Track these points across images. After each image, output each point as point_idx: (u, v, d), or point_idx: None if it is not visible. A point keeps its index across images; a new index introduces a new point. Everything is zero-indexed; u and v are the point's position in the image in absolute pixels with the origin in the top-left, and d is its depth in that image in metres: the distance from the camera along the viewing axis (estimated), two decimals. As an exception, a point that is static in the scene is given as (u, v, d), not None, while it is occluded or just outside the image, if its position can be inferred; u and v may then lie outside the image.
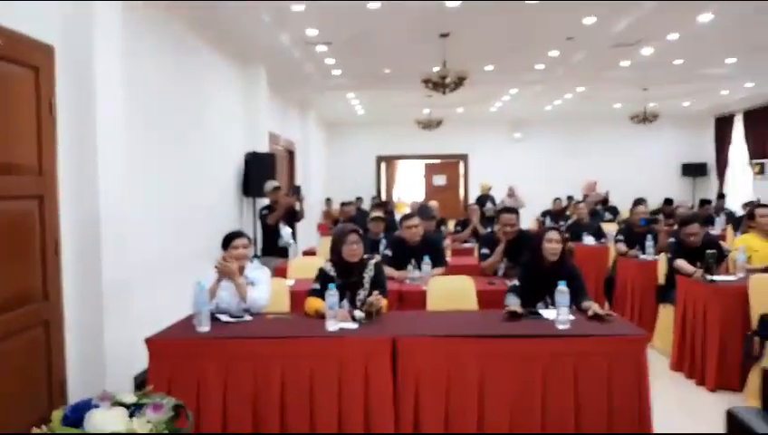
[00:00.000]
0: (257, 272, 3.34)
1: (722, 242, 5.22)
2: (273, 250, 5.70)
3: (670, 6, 5.48)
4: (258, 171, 6.51)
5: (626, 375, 2.67)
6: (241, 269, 3.31)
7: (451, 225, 8.16)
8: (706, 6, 5.58)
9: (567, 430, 2.65)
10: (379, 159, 13.74)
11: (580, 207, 7.90)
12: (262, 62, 7.11)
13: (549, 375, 2.68)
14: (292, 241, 5.67)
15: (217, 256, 3.28)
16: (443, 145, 13.21)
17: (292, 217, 6.00)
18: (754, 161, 10.88)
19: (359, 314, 3.02)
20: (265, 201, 6.14)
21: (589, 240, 7.20)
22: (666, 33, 6.43)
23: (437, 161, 14.26)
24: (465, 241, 7.18)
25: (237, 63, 6.80)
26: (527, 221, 10.71)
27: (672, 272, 4.74)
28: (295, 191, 5.97)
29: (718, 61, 7.85)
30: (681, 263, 4.61)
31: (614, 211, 10.58)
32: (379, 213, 5.65)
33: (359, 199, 12.60)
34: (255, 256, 6.13)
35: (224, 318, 3.08)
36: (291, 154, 9.56)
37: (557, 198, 10.77)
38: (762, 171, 10.59)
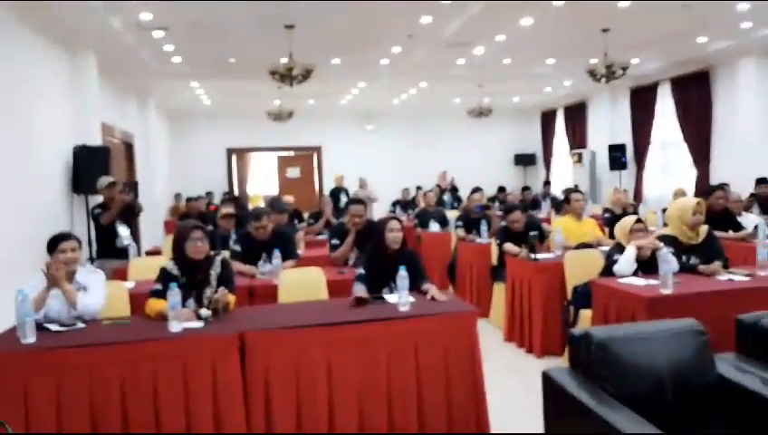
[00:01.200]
0: (90, 276, 3.13)
1: (544, 224, 5.86)
2: (111, 252, 5.32)
3: (496, 8, 5.99)
4: (90, 166, 5.99)
5: (461, 348, 2.92)
6: (71, 274, 3.07)
7: (306, 217, 8.20)
8: (526, 10, 6.18)
9: (410, 405, 2.83)
10: (230, 152, 13.31)
11: (429, 195, 8.37)
12: (91, 48, 6.54)
13: (393, 356, 2.84)
14: (131, 241, 5.34)
15: (46, 260, 3.01)
16: (296, 137, 13.15)
17: (130, 214, 5.64)
18: (573, 151, 12.27)
19: (204, 312, 2.96)
20: (99, 199, 5.68)
21: (434, 227, 7.66)
22: (494, 34, 7.02)
23: (291, 154, 14.16)
24: (319, 233, 7.25)
25: (64, 49, 6.19)
26: (381, 211, 11.08)
27: (503, 253, 5.24)
28: (131, 188, 5.60)
29: (540, 61, 8.73)
30: (508, 246, 5.12)
31: (458, 199, 11.34)
32: (229, 209, 5.51)
33: (209, 194, 12.13)
34: (91, 258, 5.68)
35: (53, 328, 2.84)
36: (129, 147, 8.92)
37: (405, 188, 11.26)
38: (579, 160, 11.96)
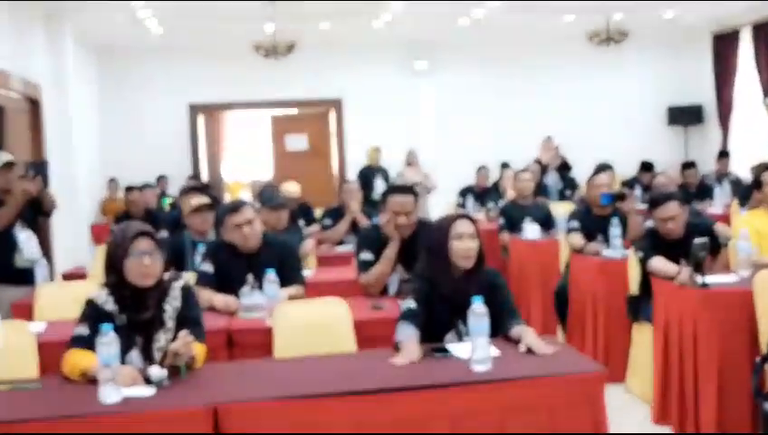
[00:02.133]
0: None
1: (719, 225, 5.76)
2: (6, 273, 5.50)
3: None
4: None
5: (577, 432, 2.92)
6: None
7: (318, 214, 8.30)
8: None
9: None
10: (194, 111, 13.54)
11: (522, 179, 8.35)
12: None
13: (462, 443, 2.86)
14: (38, 256, 5.50)
15: None
16: (301, 85, 13.27)
17: (36, 213, 5.82)
18: (769, 100, 12.00)
19: (156, 371, 3.03)
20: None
21: (532, 230, 7.64)
22: None
23: (292, 111, 14.29)
24: (340, 241, 7.33)
25: None
26: (441, 206, 11.10)
27: (647, 276, 5.16)
28: (38, 170, 5.75)
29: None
30: (657, 262, 5.03)
31: (572, 184, 11.27)
32: (203, 199, 5.60)
33: (161, 181, 12.35)
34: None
35: None
36: (34, 105, 9.18)
37: (482, 167, 11.25)
38: (780, 115, 11.70)
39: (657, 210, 5.17)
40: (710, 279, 4.62)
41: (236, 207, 4.64)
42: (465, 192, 10.81)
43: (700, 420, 4.52)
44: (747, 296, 4.32)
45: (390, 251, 4.67)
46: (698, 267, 4.61)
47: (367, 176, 11.50)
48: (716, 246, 5.21)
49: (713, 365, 4.42)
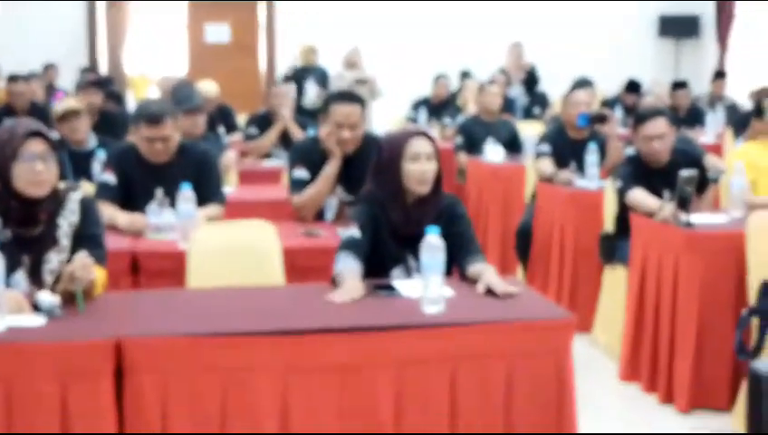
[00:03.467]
0: None
1: (710, 157, 5.87)
2: None
3: None
4: None
5: (538, 388, 2.99)
6: None
7: (242, 121, 8.24)
8: None
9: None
10: (94, -10, 13.22)
11: (487, 91, 8.33)
12: None
13: (406, 395, 2.92)
14: None
15: None
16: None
17: None
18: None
19: (47, 298, 3.02)
20: None
21: (495, 152, 7.70)
22: None
23: (213, -3, 14.05)
24: (267, 154, 7.30)
25: None
26: (391, 120, 11.06)
27: (625, 211, 5.27)
28: None
29: None
30: (637, 194, 5.13)
31: (542, 100, 11.32)
32: (92, 97, 5.55)
33: (49, 70, 12.08)
34: None
35: None
36: None
37: (441, 76, 11.22)
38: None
39: (643, 126, 5.21)
40: (696, 218, 4.73)
41: (155, 118, 4.52)
42: (418, 105, 10.79)
43: (673, 378, 4.66)
44: (738, 240, 4.42)
45: (331, 169, 4.66)
46: (683, 203, 4.70)
47: (298, 78, 11.33)
48: (704, 180, 5.32)
49: (692, 316, 4.54)
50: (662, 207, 4.88)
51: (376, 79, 11.61)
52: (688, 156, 5.35)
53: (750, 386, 2.54)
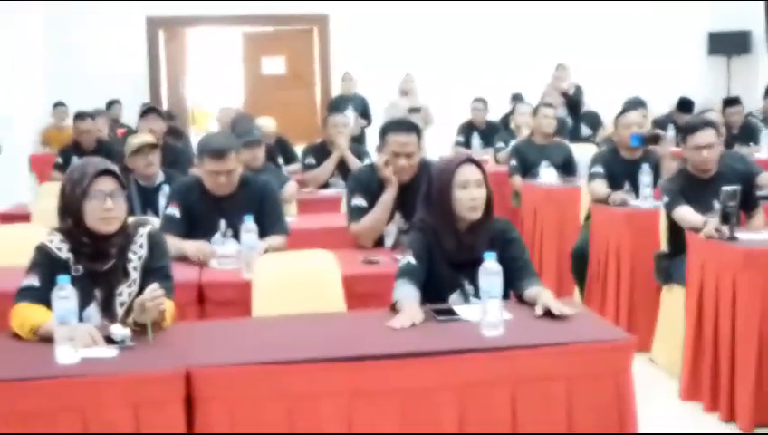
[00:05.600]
0: None
1: (766, 174, 5.81)
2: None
3: None
4: None
5: (598, 408, 3.00)
6: None
7: (299, 151, 8.31)
8: None
9: None
10: (153, 25, 13.41)
11: (545, 113, 8.29)
12: None
13: (470, 416, 2.94)
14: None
15: None
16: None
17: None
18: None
19: (119, 330, 3.08)
20: None
21: (549, 175, 7.68)
22: None
23: (268, 29, 14.16)
24: (325, 184, 7.35)
25: None
26: (441, 145, 11.06)
27: (677, 229, 5.24)
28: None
29: None
30: (683, 211, 5.12)
31: (593, 120, 11.23)
32: (142, 137, 5.59)
33: (113, 106, 12.24)
34: None
35: None
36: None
37: (475, 100, 11.19)
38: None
39: (693, 136, 5.23)
40: (744, 234, 4.73)
41: (219, 153, 4.56)
42: (465, 128, 10.75)
43: (736, 396, 4.60)
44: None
45: (388, 196, 4.70)
46: (727, 218, 4.69)
47: (338, 107, 11.32)
48: (753, 198, 5.32)
49: (752, 334, 4.49)
50: (706, 222, 4.87)
51: (429, 107, 11.63)
52: (736, 170, 5.35)
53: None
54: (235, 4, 13.03)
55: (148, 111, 7.38)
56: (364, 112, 11.66)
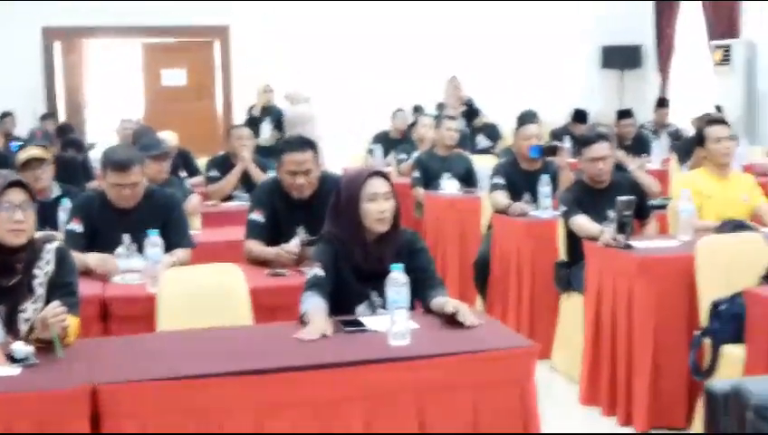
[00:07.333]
0: None
1: (652, 181, 5.99)
2: None
3: None
4: None
5: (504, 418, 3.05)
6: None
7: (201, 164, 8.25)
8: None
9: None
10: (49, 36, 13.17)
11: (448, 125, 8.35)
12: None
13: (377, 427, 2.95)
14: None
15: None
16: (179, 8, 13.00)
17: None
18: (715, 44, 12.35)
19: (21, 347, 3.02)
20: None
21: (451, 186, 7.76)
22: None
23: (169, 41, 14.03)
24: (229, 197, 7.30)
25: None
26: (349, 157, 11.03)
27: (575, 238, 5.36)
28: None
29: None
30: (580, 220, 5.26)
31: (492, 132, 11.38)
32: (29, 151, 5.48)
33: (5, 118, 11.91)
34: None
35: None
36: None
37: (398, 110, 11.27)
38: (725, 60, 12.04)
39: (587, 150, 5.42)
40: (639, 242, 4.88)
41: (123, 165, 4.51)
42: (377, 140, 10.74)
43: (632, 400, 4.73)
44: (687, 263, 4.52)
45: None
46: (622, 227, 4.86)
47: (254, 122, 11.27)
48: (644, 207, 5.52)
49: (647, 339, 4.62)
50: (602, 231, 5.01)
51: (316, 117, 11.53)
52: (628, 178, 5.63)
53: (706, 405, 2.61)
54: (135, 16, 12.87)
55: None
56: (279, 124, 11.57)
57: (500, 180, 6.51)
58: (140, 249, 4.35)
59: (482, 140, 11.09)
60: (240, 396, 2.90)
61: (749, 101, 11.81)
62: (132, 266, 4.32)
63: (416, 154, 8.87)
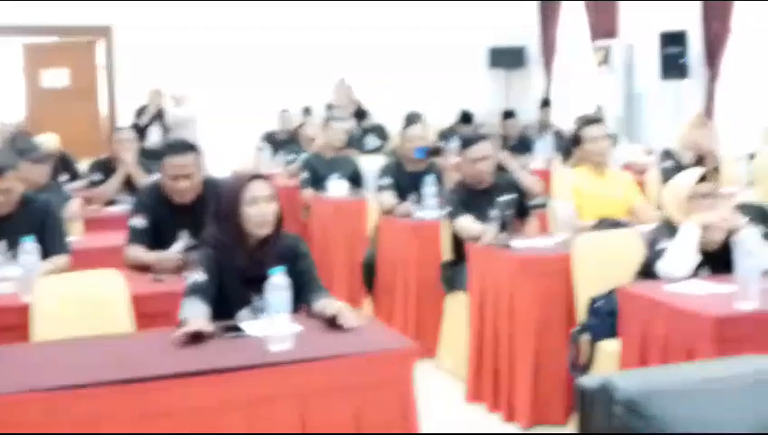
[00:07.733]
0: None
1: (535, 179, 6.10)
2: None
3: None
4: None
5: (385, 416, 3.08)
6: None
7: (84, 167, 8.09)
8: None
9: None
10: None
11: (336, 127, 8.36)
12: None
13: (258, 430, 2.95)
14: None
15: None
16: (60, 7, 12.73)
17: None
18: (596, 44, 12.62)
19: None
20: None
21: (337, 187, 7.78)
22: None
23: (50, 40, 13.71)
24: (111, 201, 7.18)
25: None
26: (237, 158, 10.92)
27: (459, 238, 5.44)
28: None
29: None
30: (463, 221, 5.35)
31: (381, 133, 11.45)
32: None
33: None
34: None
35: None
36: None
37: (284, 111, 11.24)
38: (605, 60, 12.33)
39: (469, 150, 5.51)
40: (520, 242, 4.98)
41: None
42: (266, 139, 10.70)
43: (515, 397, 4.81)
44: (566, 262, 4.62)
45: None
46: (503, 226, 4.95)
47: (142, 121, 11.13)
48: (523, 205, 5.61)
49: (529, 337, 4.71)
50: (484, 231, 5.09)
51: (193, 117, 11.45)
52: (508, 178, 5.72)
53: (577, 401, 2.66)
54: (14, 14, 12.54)
55: None
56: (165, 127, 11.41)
57: (387, 181, 6.59)
58: (15, 255, 4.25)
59: (371, 141, 11.14)
60: (116, 406, 2.86)
61: (628, 100, 12.11)
62: (7, 275, 4.21)
63: (303, 155, 8.87)
